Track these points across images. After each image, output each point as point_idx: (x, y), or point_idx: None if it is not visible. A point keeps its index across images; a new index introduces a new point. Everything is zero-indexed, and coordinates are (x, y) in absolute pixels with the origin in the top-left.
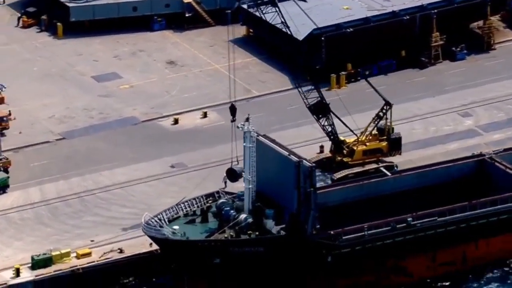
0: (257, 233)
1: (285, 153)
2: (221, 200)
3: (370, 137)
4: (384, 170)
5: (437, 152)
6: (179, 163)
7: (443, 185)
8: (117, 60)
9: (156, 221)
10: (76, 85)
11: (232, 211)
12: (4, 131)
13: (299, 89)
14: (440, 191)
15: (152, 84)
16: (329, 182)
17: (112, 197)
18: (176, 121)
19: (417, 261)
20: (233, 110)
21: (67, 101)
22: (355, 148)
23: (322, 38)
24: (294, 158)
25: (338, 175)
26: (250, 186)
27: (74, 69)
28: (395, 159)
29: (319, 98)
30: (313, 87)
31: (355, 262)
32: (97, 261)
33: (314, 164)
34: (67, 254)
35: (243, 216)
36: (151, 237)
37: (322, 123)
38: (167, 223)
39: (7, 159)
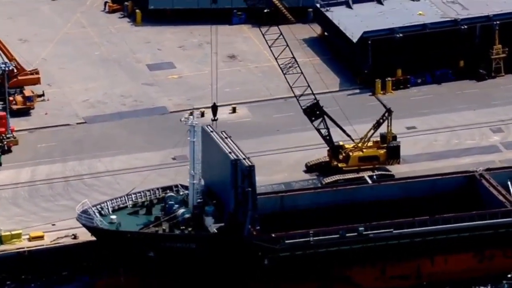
0: (190, 229)
1: (226, 150)
2: (168, 194)
3: (371, 144)
4: (367, 178)
5: (446, 165)
6: (182, 156)
7: (426, 198)
8: (180, 50)
9: (96, 209)
10: (127, 72)
11: (176, 205)
12: (30, 111)
13: (293, 89)
14: (422, 204)
15: (201, 76)
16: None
17: (97, 184)
18: (202, 114)
19: (364, 272)
20: (214, 109)
21: (108, 87)
22: (351, 154)
23: (369, 42)
24: (232, 156)
25: (327, 179)
26: (195, 182)
27: (133, 56)
28: (400, 168)
29: (315, 101)
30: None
31: (297, 268)
32: (46, 245)
33: (252, 164)
34: (18, 236)
35: (180, 210)
36: (84, 226)
37: (317, 126)
38: (110, 212)
39: (14, 138)
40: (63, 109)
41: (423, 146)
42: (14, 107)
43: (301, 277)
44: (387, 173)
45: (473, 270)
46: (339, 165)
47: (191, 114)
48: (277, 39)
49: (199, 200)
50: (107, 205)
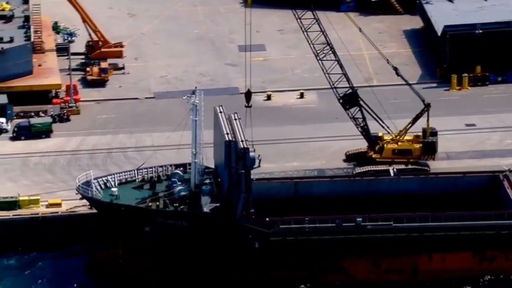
0: (182, 206)
1: (224, 130)
2: (175, 171)
3: (410, 138)
4: (390, 170)
5: (487, 164)
6: None
7: (446, 196)
8: (277, 34)
9: (101, 181)
10: (216, 51)
11: (178, 183)
12: (106, 83)
13: (328, 77)
14: (440, 201)
15: (286, 61)
16: None
17: (137, 157)
18: (268, 97)
19: (358, 263)
20: (248, 95)
21: (191, 64)
22: (385, 146)
23: (447, 36)
24: (227, 137)
25: (359, 169)
26: (196, 160)
27: (228, 36)
28: (439, 165)
29: (351, 90)
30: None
31: (288, 255)
32: (61, 212)
33: (247, 146)
34: (36, 201)
35: (178, 188)
36: (82, 196)
37: (353, 115)
38: (116, 185)
39: (77, 107)
40: (139, 83)
41: (473, 144)
42: (89, 78)
43: (292, 264)
44: (420, 167)
45: (472, 270)
46: (373, 156)
47: (194, 92)
48: (313, 24)
49: (205, 179)
50: (114, 178)
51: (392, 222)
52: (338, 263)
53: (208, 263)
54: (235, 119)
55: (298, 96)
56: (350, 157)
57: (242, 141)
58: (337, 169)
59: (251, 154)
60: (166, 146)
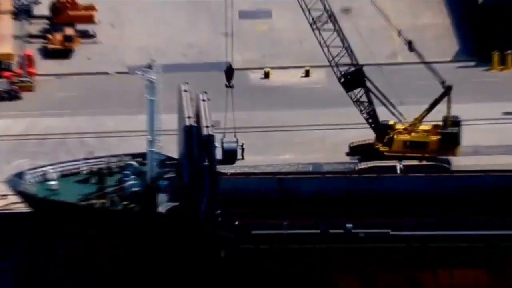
0: (133, 205)
1: (186, 113)
2: (129, 162)
3: (427, 128)
4: (397, 166)
5: None
6: (214, 121)
7: (459, 197)
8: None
9: (38, 173)
10: (210, 18)
11: (132, 177)
12: (71, 53)
13: (326, 51)
14: (451, 203)
15: (294, 31)
16: None
17: (95, 146)
18: (266, 75)
19: (346, 279)
20: (229, 73)
21: (179, 34)
22: (395, 137)
23: (490, 6)
24: (188, 122)
25: (362, 165)
26: (153, 149)
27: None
28: (462, 161)
29: (354, 68)
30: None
31: (261, 266)
32: None
33: (211, 133)
34: None
35: (130, 182)
36: (13, 190)
37: (358, 98)
38: (57, 177)
39: (30, 83)
40: (111, 55)
41: (509, 137)
42: (50, 46)
43: (266, 279)
44: (438, 164)
45: None
46: (381, 148)
47: (150, 66)
48: None
49: (165, 173)
50: (55, 169)
51: (390, 230)
52: (324, 278)
53: (162, 275)
54: (203, 100)
55: (303, 75)
56: (354, 150)
57: (207, 126)
58: (338, 163)
59: (228, 144)
60: (134, 132)
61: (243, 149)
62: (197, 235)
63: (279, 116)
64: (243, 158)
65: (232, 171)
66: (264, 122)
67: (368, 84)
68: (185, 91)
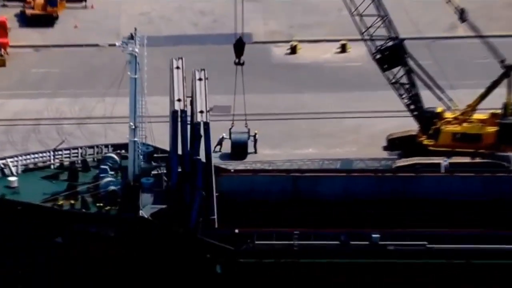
0: (109, 207)
1: (176, 95)
2: (109, 154)
3: (483, 117)
4: (443, 163)
5: None
6: (223, 107)
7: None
8: None
9: None
10: None
11: (111, 172)
12: (55, 21)
13: (358, 20)
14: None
15: None
16: None
17: (75, 134)
18: (293, 50)
19: None
20: (239, 47)
21: None
22: (442, 128)
23: None
24: (176, 105)
25: (400, 162)
26: (136, 139)
27: None
28: None
29: (391, 41)
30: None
31: (265, 284)
32: None
33: (207, 120)
34: None
35: (106, 179)
36: None
37: (397, 79)
38: (18, 172)
39: (1, 56)
40: (105, 23)
41: None
42: (29, 12)
43: None
44: (497, 162)
45: None
46: (425, 142)
47: (132, 37)
48: None
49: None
50: (17, 162)
51: (426, 242)
52: None
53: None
54: (199, 79)
55: (338, 50)
56: (393, 143)
57: (201, 111)
58: (372, 160)
59: (236, 135)
60: (123, 118)
61: (255, 141)
62: (187, 246)
63: (305, 100)
64: (255, 152)
65: (242, 166)
66: (286, 107)
67: (411, 62)
68: (177, 68)
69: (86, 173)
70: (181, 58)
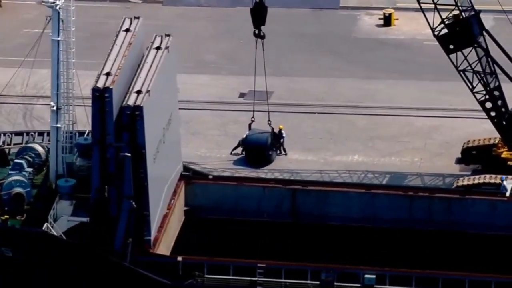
0: (6, 216)
1: (104, 69)
2: (31, 144)
3: None
4: (506, 185)
5: None
6: (260, 92)
7: None
8: None
9: None
10: None
11: (28, 169)
12: None
13: None
14: None
15: None
16: None
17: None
18: (386, 20)
19: None
20: (258, 13)
21: None
22: None
23: None
24: (100, 81)
25: (463, 181)
26: (59, 125)
27: None
28: None
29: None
30: None
31: None
32: None
33: (139, 104)
34: None
35: (12, 178)
36: None
37: (469, 64)
38: None
39: None
40: None
41: None
42: None
43: None
44: None
45: None
46: (504, 154)
47: None
48: None
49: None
50: None
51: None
52: None
53: None
54: (157, 48)
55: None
56: (469, 154)
57: (138, 92)
58: (433, 176)
59: (252, 133)
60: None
61: (283, 139)
62: (110, 277)
63: (377, 88)
64: (285, 153)
65: (228, 173)
66: (346, 97)
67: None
68: (126, 30)
69: (3, 169)
70: (137, 18)
